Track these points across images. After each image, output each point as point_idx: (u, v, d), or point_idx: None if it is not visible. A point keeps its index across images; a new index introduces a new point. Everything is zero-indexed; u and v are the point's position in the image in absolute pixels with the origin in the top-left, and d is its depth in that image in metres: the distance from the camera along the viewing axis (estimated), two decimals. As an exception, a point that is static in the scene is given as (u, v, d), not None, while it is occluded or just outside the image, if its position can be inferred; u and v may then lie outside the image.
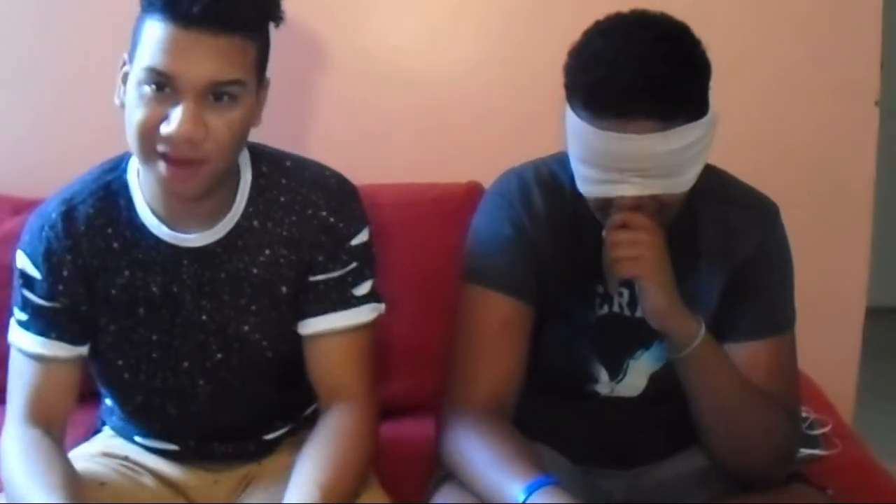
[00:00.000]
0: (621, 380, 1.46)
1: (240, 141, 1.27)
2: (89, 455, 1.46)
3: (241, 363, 1.39)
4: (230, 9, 1.20)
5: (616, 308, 1.43)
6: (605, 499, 1.50)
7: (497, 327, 1.38)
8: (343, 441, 1.32)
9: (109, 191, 1.35)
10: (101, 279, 1.34)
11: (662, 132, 1.21)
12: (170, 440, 1.47)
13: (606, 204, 1.30)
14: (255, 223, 1.35)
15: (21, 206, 1.87)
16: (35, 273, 1.32)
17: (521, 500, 1.17)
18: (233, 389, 1.41)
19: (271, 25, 1.27)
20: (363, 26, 2.13)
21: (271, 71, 1.31)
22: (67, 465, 1.28)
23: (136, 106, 1.21)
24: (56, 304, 1.33)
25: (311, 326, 1.38)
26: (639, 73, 1.19)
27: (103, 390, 1.49)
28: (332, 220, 1.36)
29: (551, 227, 1.39)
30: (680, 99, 1.22)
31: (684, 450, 1.49)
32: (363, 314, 1.38)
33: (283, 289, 1.37)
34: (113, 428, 1.53)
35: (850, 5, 2.15)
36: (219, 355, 1.38)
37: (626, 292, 1.41)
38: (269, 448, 1.50)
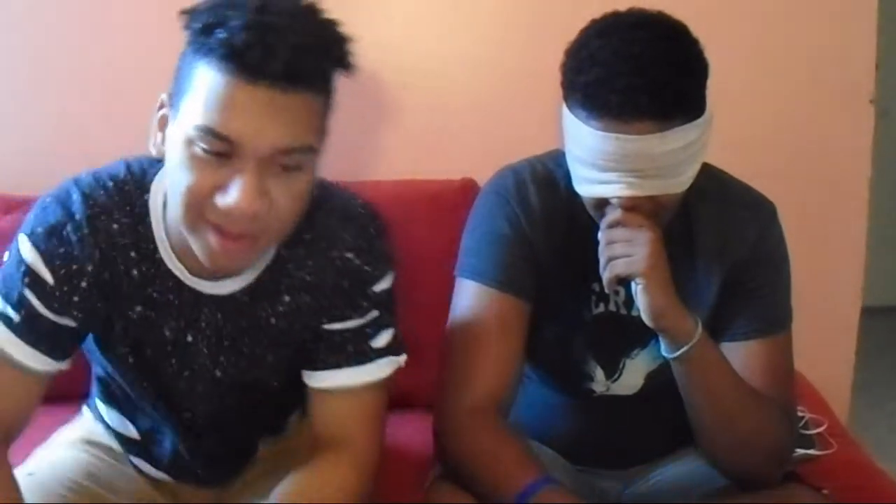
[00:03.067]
0: (617, 379, 1.46)
1: (302, 210, 1.11)
2: (70, 442, 1.39)
3: (246, 401, 1.30)
4: (310, 62, 1.02)
5: (612, 307, 1.42)
6: (601, 499, 1.49)
7: (493, 324, 1.37)
8: (329, 489, 1.20)
9: (134, 211, 1.15)
10: (114, 305, 1.17)
11: (660, 133, 1.21)
12: (165, 468, 1.39)
13: (602, 203, 1.29)
14: (279, 267, 1.21)
15: (13, 205, 1.86)
16: (47, 276, 1.11)
17: (521, 500, 1.17)
18: (235, 427, 1.34)
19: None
20: (357, 21, 2.11)
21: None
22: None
23: (185, 168, 1.03)
24: (63, 320, 1.14)
25: (322, 380, 1.24)
26: (637, 74, 1.18)
27: (104, 391, 1.38)
28: (357, 262, 1.22)
29: (547, 224, 1.39)
30: (678, 100, 1.21)
31: (680, 449, 1.49)
32: (380, 370, 1.25)
33: (303, 335, 1.24)
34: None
35: (846, 4, 2.15)
36: (226, 401, 1.28)
37: (622, 291, 1.40)
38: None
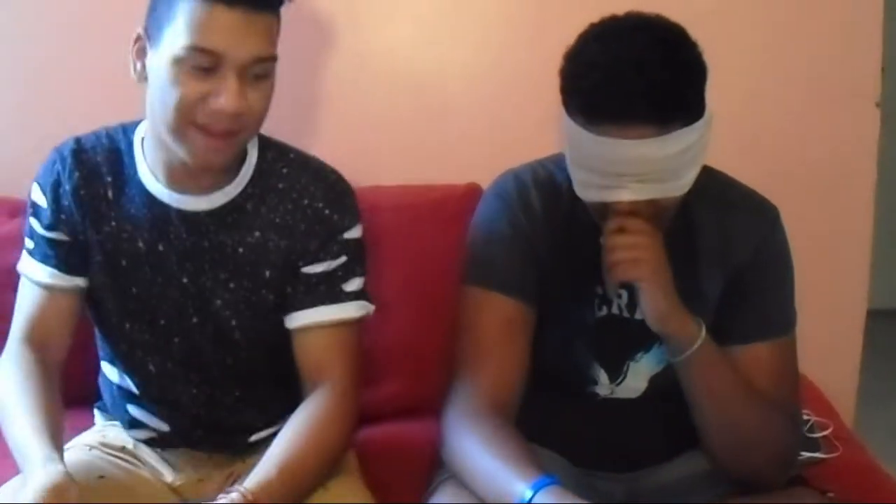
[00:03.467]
0: (621, 382, 1.46)
1: (267, 111, 1.33)
2: (87, 446, 1.48)
3: (214, 334, 1.42)
4: None
5: (615, 310, 1.42)
6: (606, 501, 1.49)
7: (499, 328, 1.38)
8: (313, 423, 1.34)
9: (118, 148, 1.41)
10: (91, 220, 1.39)
11: (659, 137, 1.21)
12: (156, 412, 1.49)
13: (604, 207, 1.30)
14: (249, 205, 1.39)
15: (19, 209, 1.87)
16: (42, 201, 1.40)
17: (526, 499, 1.16)
18: (206, 357, 1.43)
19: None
20: (361, 27, 2.12)
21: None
22: (53, 398, 1.33)
23: (174, 83, 1.24)
24: (56, 235, 1.40)
25: (299, 319, 1.41)
26: (636, 79, 1.18)
27: (99, 340, 1.52)
28: (327, 211, 1.39)
29: (549, 228, 1.39)
30: (677, 103, 1.22)
31: (684, 452, 1.49)
32: (351, 310, 1.41)
33: (267, 273, 1.40)
34: (108, 404, 1.55)
35: (851, 7, 2.15)
36: (194, 319, 1.42)
37: (624, 294, 1.41)
38: (254, 448, 1.48)
